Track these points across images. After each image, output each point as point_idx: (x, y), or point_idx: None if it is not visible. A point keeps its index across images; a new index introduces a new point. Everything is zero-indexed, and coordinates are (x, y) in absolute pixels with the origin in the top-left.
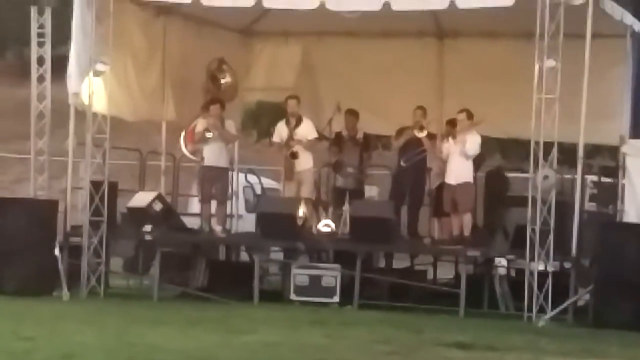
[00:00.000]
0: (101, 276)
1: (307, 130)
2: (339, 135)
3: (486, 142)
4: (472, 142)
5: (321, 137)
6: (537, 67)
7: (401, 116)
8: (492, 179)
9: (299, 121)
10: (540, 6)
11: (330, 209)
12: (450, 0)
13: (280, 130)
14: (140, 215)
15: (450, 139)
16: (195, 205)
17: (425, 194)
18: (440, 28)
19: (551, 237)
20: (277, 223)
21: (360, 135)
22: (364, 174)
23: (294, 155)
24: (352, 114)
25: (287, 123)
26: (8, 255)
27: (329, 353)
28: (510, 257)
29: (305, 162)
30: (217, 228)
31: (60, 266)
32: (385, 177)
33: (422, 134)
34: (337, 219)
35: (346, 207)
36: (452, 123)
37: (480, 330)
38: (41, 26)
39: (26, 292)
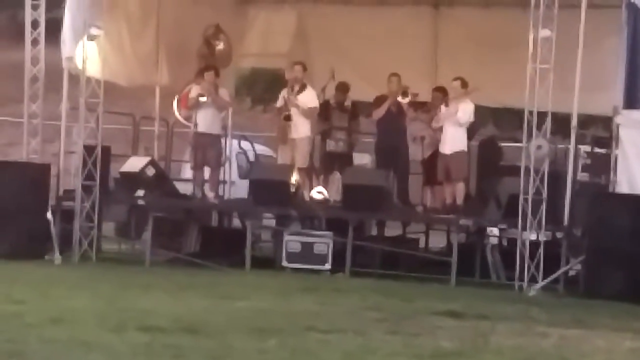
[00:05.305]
0: (93, 240)
1: (308, 98)
2: (326, 103)
3: (480, 111)
4: (465, 110)
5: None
6: (531, 36)
7: None
8: (485, 148)
9: (302, 88)
10: None
11: (322, 176)
12: None
13: (284, 96)
14: (132, 180)
15: (442, 106)
16: (188, 171)
17: (409, 160)
18: None
19: (543, 206)
20: (269, 190)
21: (348, 103)
22: (353, 140)
23: (288, 118)
24: (342, 89)
25: (290, 88)
26: (0, 218)
27: (320, 320)
28: (503, 226)
29: (302, 129)
30: (210, 194)
31: (53, 230)
32: None
33: (405, 100)
34: (327, 185)
35: (336, 174)
36: (439, 90)
37: (472, 299)
38: None
39: (18, 256)
